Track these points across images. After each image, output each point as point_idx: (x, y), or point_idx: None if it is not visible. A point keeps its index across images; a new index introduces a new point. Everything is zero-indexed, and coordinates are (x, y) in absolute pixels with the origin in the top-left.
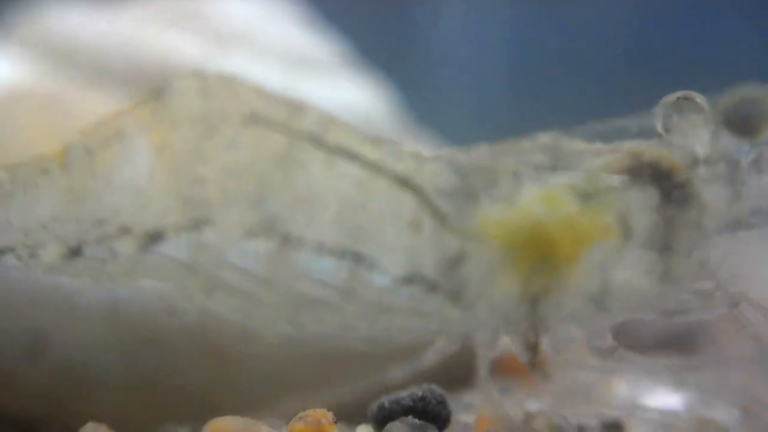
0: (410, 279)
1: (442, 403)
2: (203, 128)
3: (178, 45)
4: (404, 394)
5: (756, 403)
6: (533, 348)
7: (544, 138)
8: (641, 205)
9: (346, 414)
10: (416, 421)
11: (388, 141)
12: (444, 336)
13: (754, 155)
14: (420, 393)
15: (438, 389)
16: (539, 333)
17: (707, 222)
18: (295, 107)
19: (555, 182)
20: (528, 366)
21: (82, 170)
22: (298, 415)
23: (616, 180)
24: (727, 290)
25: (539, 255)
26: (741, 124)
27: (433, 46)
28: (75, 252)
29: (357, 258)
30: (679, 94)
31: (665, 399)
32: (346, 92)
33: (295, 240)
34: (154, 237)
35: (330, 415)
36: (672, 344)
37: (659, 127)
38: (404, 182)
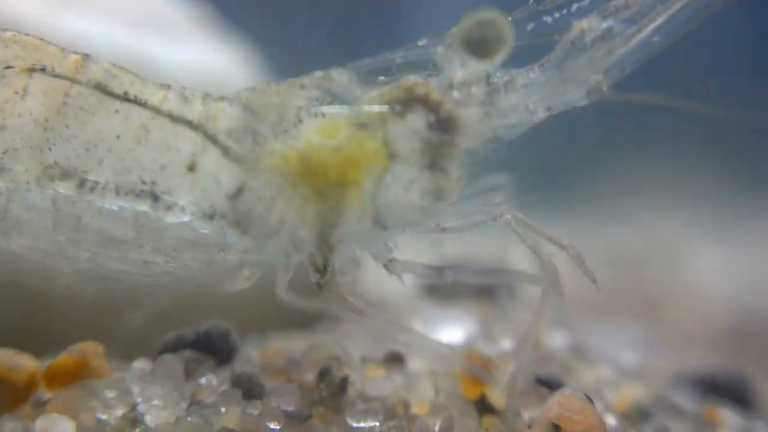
0: (195, 213)
1: (225, 337)
2: None
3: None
4: (189, 329)
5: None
6: (321, 270)
7: (322, 74)
8: (409, 129)
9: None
10: (192, 354)
11: (176, 85)
12: (248, 265)
13: (506, 77)
14: (204, 328)
15: (224, 325)
16: (326, 255)
17: (466, 140)
18: (83, 58)
19: (331, 115)
20: (317, 287)
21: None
22: (68, 348)
23: (385, 109)
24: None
25: (320, 182)
26: (479, 46)
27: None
28: None
29: (153, 198)
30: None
31: (450, 334)
32: (201, 54)
33: (90, 183)
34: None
35: (100, 347)
36: (483, 292)
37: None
38: (188, 123)
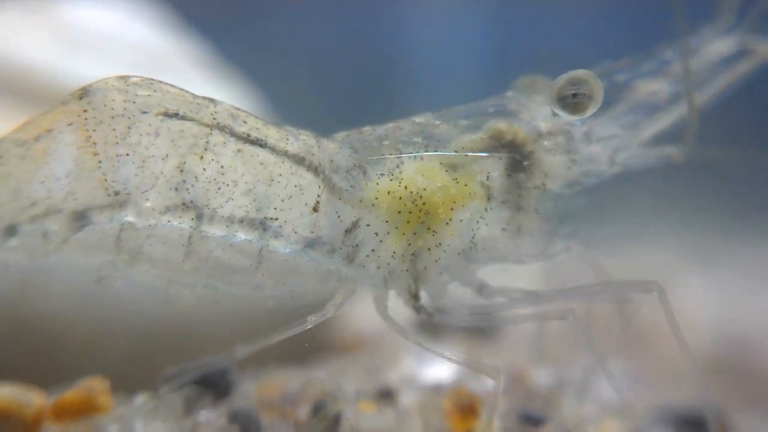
0: (311, 244)
1: (223, 372)
2: (125, 122)
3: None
4: (189, 364)
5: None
6: (414, 296)
7: (419, 119)
8: (498, 172)
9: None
10: (192, 388)
11: (287, 126)
12: (341, 291)
13: (585, 128)
14: (203, 363)
15: (222, 359)
16: (419, 284)
17: (550, 185)
18: (207, 101)
19: (429, 157)
20: (414, 310)
21: (15, 161)
22: (75, 383)
23: (478, 153)
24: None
25: (419, 218)
26: (572, 102)
27: (297, 48)
28: (11, 231)
29: (264, 229)
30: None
31: (440, 372)
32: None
33: (208, 216)
34: (81, 217)
35: (106, 383)
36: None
37: (512, 107)
38: (302, 161)
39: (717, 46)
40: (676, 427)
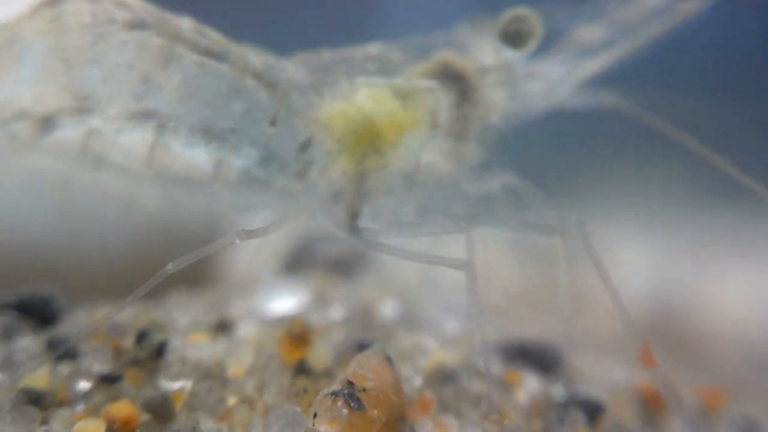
0: (266, 159)
1: (47, 301)
2: (93, 31)
3: None
4: (11, 292)
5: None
6: (354, 216)
7: (373, 48)
8: (444, 102)
9: None
10: (13, 315)
11: (248, 46)
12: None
13: (526, 65)
14: (29, 291)
15: (47, 289)
16: (362, 204)
17: (491, 117)
18: (172, 15)
19: (381, 83)
20: (348, 230)
21: None
22: None
23: (425, 82)
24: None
25: (368, 140)
26: (512, 37)
27: None
28: None
29: (222, 141)
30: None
31: (286, 306)
32: None
33: (170, 126)
34: (49, 120)
35: None
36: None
37: (459, 41)
38: (261, 77)
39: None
40: (504, 356)
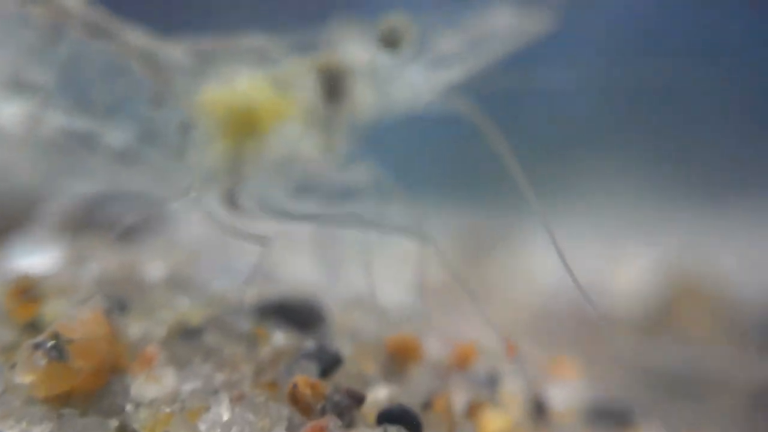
0: (146, 137)
1: None
2: None
3: None
4: None
5: None
6: (230, 196)
7: (255, 39)
8: (317, 96)
9: None
10: None
11: (135, 27)
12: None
13: (395, 69)
14: None
15: None
16: (237, 185)
17: (359, 113)
18: None
19: (259, 73)
20: (226, 208)
21: None
22: None
23: (301, 76)
24: None
25: (244, 126)
26: (388, 41)
27: None
28: None
29: (104, 117)
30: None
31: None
32: None
33: (52, 102)
34: None
35: None
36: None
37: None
38: (148, 58)
39: (495, 16)
40: (261, 313)
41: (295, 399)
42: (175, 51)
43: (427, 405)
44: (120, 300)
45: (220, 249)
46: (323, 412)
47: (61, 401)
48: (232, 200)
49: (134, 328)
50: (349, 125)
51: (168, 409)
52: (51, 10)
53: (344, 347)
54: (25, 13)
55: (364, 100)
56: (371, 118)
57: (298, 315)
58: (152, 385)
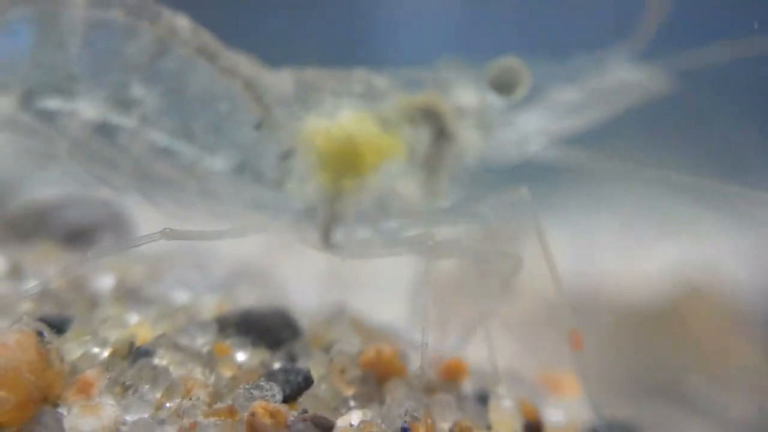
0: (244, 165)
1: None
2: (88, 13)
3: None
4: None
5: None
6: (326, 233)
7: (362, 73)
8: (423, 137)
9: None
10: None
11: (241, 53)
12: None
13: (506, 114)
14: None
15: None
16: (335, 220)
17: (465, 157)
18: (170, 12)
19: (364, 108)
20: (321, 242)
21: None
22: None
23: (407, 114)
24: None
25: (346, 161)
26: (501, 85)
27: None
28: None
29: (203, 145)
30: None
31: None
32: None
33: (151, 119)
34: (27, 97)
35: None
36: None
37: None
38: (250, 86)
39: (616, 71)
40: (220, 328)
41: (254, 428)
42: (279, 79)
43: (405, 431)
44: (59, 318)
45: (190, 258)
46: None
47: None
48: (328, 233)
49: (73, 350)
50: (454, 168)
51: None
52: (159, 27)
53: (317, 366)
54: (133, 27)
55: (471, 143)
56: (477, 163)
57: (266, 329)
58: (88, 417)
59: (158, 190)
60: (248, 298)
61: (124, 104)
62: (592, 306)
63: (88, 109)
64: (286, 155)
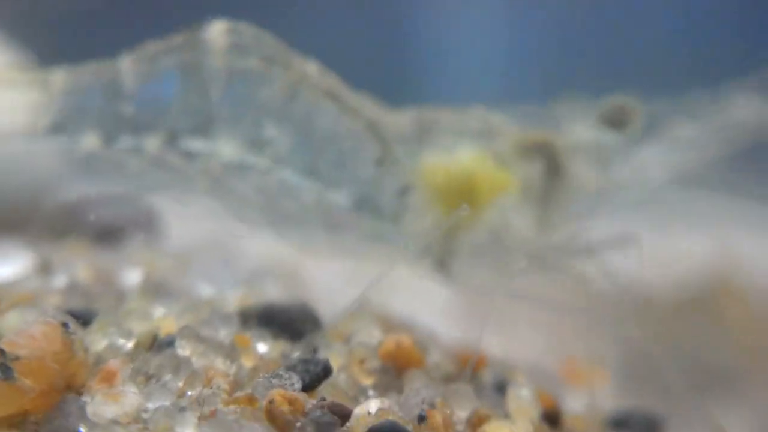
0: (365, 200)
1: None
2: (228, 60)
3: None
4: None
5: None
6: (442, 263)
7: (476, 111)
8: (536, 172)
9: None
10: None
11: (363, 95)
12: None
13: (619, 150)
14: None
15: None
16: (451, 254)
17: (579, 192)
18: (298, 55)
19: (481, 144)
20: (438, 273)
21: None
22: None
23: (521, 151)
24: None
25: (463, 197)
26: (613, 122)
27: None
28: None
29: (327, 181)
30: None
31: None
32: None
33: (283, 160)
34: (172, 138)
35: None
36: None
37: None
38: (372, 126)
39: (739, 107)
40: (243, 320)
41: (272, 416)
42: (399, 118)
43: (422, 419)
44: (86, 311)
45: (218, 254)
46: (303, 430)
47: (10, 424)
48: (444, 266)
49: (98, 341)
50: (568, 203)
51: (123, 431)
52: (291, 73)
53: (337, 357)
54: (267, 73)
55: (585, 179)
56: (594, 198)
57: (288, 322)
58: (111, 405)
59: (287, 225)
60: (272, 293)
61: (259, 144)
62: (626, 298)
63: (226, 149)
64: (404, 191)
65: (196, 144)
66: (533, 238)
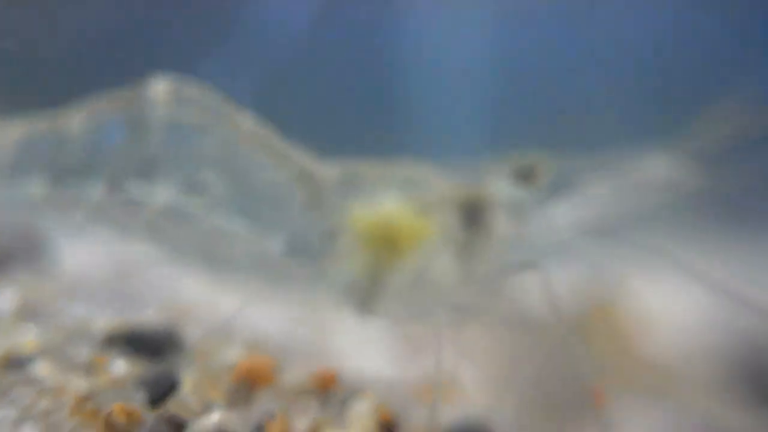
0: (292, 243)
1: None
2: (168, 113)
3: None
4: None
5: None
6: (365, 307)
7: (403, 164)
8: (457, 223)
9: None
10: None
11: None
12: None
13: (535, 205)
14: None
15: None
16: (374, 299)
17: (496, 242)
18: (239, 109)
19: (404, 194)
20: (360, 314)
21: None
22: None
23: (444, 202)
24: None
25: (384, 243)
26: (524, 176)
27: None
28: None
29: (261, 226)
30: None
31: None
32: None
33: (218, 201)
34: (115, 183)
35: None
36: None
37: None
38: (303, 175)
39: (650, 167)
40: (107, 342)
41: (109, 426)
42: (327, 168)
43: (259, 428)
44: None
45: (114, 280)
46: None
47: None
48: (366, 307)
49: None
50: (486, 253)
51: None
52: (228, 124)
53: (193, 374)
54: (205, 125)
55: (502, 230)
56: (509, 249)
57: (151, 344)
58: None
59: (222, 266)
60: (148, 319)
61: (195, 189)
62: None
63: (163, 192)
64: (332, 236)
65: (135, 186)
66: (453, 280)
